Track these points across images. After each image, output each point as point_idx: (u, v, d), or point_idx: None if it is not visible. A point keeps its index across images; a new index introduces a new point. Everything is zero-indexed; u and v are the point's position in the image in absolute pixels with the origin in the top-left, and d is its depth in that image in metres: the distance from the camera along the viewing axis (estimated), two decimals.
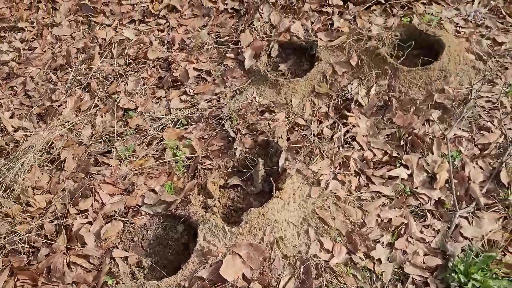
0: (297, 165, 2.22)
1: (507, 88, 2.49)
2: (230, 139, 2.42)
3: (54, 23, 3.29)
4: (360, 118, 2.47)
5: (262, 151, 2.37)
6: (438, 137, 2.32)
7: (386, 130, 2.42)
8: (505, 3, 2.97)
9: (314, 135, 2.37)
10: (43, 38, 3.18)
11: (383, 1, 3.02)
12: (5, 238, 2.06)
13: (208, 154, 2.39)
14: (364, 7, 3.03)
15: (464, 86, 2.51)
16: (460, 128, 2.37)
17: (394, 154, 2.30)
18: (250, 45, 2.87)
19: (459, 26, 2.87)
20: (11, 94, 2.83)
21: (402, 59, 2.71)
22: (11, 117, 2.68)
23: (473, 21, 2.90)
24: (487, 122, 2.38)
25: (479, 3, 3.00)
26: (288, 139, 2.36)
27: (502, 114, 2.37)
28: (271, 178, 2.18)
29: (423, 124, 2.39)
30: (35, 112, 2.68)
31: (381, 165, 2.29)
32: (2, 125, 2.61)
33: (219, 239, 1.98)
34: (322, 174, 2.21)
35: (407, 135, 2.35)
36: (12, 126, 2.62)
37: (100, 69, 2.85)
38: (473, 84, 2.50)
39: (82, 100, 2.72)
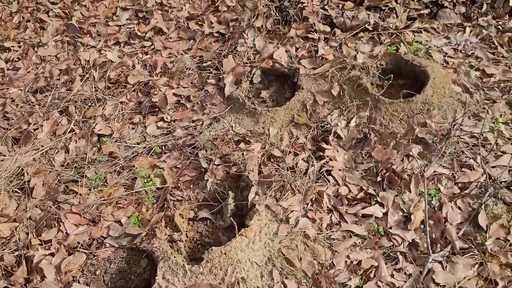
0: (267, 200, 2.16)
1: (493, 123, 2.41)
2: (202, 169, 2.37)
3: (41, 43, 3.30)
4: (338, 151, 2.41)
5: (234, 183, 2.32)
6: (417, 174, 2.24)
7: (363, 164, 2.35)
8: (497, 33, 2.89)
9: (288, 168, 2.31)
10: (27, 59, 3.19)
11: (370, 29, 2.97)
12: None
13: (179, 184, 2.35)
14: (352, 34, 2.98)
15: (447, 120, 2.43)
16: (440, 165, 2.29)
17: (370, 190, 2.23)
18: (232, 70, 2.84)
19: (448, 56, 2.81)
20: None
21: (385, 89, 2.65)
22: None
23: (463, 51, 2.84)
24: (469, 159, 2.30)
25: (470, 32, 2.93)
26: (260, 172, 2.31)
27: (486, 151, 2.29)
28: (232, 219, 2.12)
29: (402, 160, 2.32)
30: (11, 135, 2.67)
31: (355, 202, 2.23)
32: None
33: (178, 278, 1.92)
34: (292, 211, 2.14)
35: (384, 171, 2.29)
36: None
37: (80, 93, 2.84)
38: (457, 119, 2.42)
39: (59, 124, 2.71)
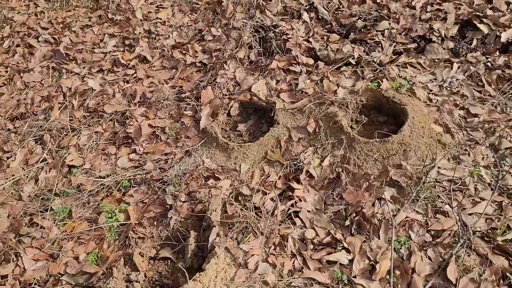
0: (227, 242, 2.11)
1: (474, 166, 2.33)
2: (168, 206, 2.35)
3: (27, 69, 3.36)
4: (308, 191, 2.36)
5: (198, 222, 2.28)
6: (388, 219, 2.17)
7: (333, 206, 2.30)
8: (486, 70, 2.83)
9: (253, 208, 2.27)
10: (12, 84, 3.24)
11: (354, 63, 2.93)
12: None
13: (142, 221, 2.32)
14: (335, 67, 2.95)
15: (424, 163, 2.36)
16: (414, 210, 2.21)
17: (338, 235, 2.17)
18: (210, 102, 2.83)
19: (432, 93, 2.75)
20: None
21: (364, 126, 2.61)
22: None
23: (448, 88, 2.78)
24: (445, 204, 2.22)
25: (458, 68, 2.87)
26: (225, 212, 2.27)
27: (463, 196, 2.21)
28: (192, 260, 2.08)
29: (374, 204, 2.26)
30: None
31: (321, 246, 2.17)
32: None
33: None
34: (253, 255, 2.09)
35: (354, 214, 2.22)
36: None
37: (57, 121, 2.86)
38: (434, 161, 2.35)
39: (32, 153, 2.72)
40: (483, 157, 2.41)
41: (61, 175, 2.59)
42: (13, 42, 3.64)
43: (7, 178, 2.59)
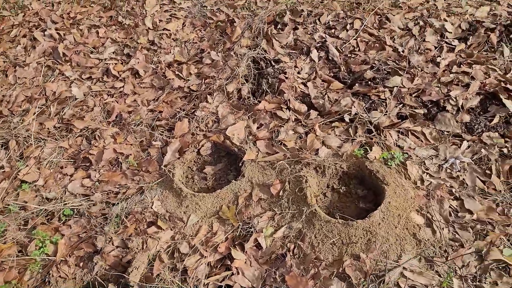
0: None
1: (447, 276, 2.03)
2: (98, 248, 2.24)
3: (24, 63, 3.38)
4: (250, 265, 2.16)
5: (120, 275, 2.15)
6: None
7: (271, 287, 2.08)
8: (500, 157, 2.47)
9: (183, 272, 2.11)
10: (3, 77, 3.27)
11: (348, 120, 2.67)
12: None
13: (70, 258, 2.23)
14: (327, 120, 2.71)
15: (387, 260, 2.08)
16: None
17: None
18: (182, 136, 2.69)
19: (427, 173, 2.44)
20: None
21: (337, 194, 2.35)
22: None
23: (448, 170, 2.45)
24: None
25: (467, 148, 2.53)
26: (151, 269, 2.12)
27: None
28: None
29: None
30: None
31: None
32: None
33: None
34: None
35: None
36: None
37: (27, 127, 2.84)
38: (400, 261, 2.07)
39: None
40: (463, 265, 2.10)
41: (11, 188, 2.56)
42: (20, 31, 3.68)
43: None
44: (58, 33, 3.62)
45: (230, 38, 3.34)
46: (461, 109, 2.68)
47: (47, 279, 2.20)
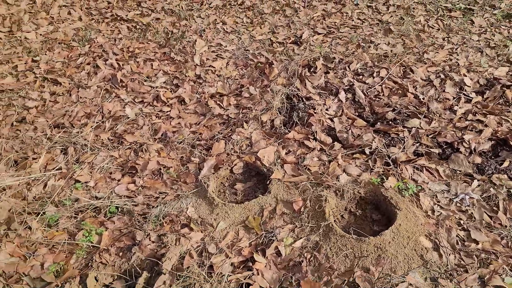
0: None
1: None
2: (137, 241, 2.51)
3: (86, 85, 3.83)
4: (270, 268, 2.38)
5: (154, 265, 2.40)
6: None
7: None
8: (507, 196, 2.65)
9: (209, 266, 2.34)
10: (68, 96, 3.72)
11: (368, 152, 2.93)
12: None
13: (111, 248, 2.50)
14: (350, 152, 2.97)
15: (395, 275, 2.27)
16: None
17: None
18: (218, 155, 3.00)
19: (438, 204, 2.64)
20: (12, 136, 3.33)
21: (354, 217, 2.57)
22: None
23: (458, 204, 2.65)
24: None
25: (477, 186, 2.73)
26: (181, 263, 2.37)
27: None
28: None
29: None
30: (14, 157, 3.11)
31: None
32: None
33: None
34: None
35: None
36: None
37: (84, 137, 3.22)
38: (407, 277, 2.25)
39: (54, 160, 3.08)
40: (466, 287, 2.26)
41: (67, 186, 2.90)
42: (85, 59, 4.18)
43: (22, 176, 2.95)
44: (118, 63, 4.10)
45: (268, 77, 3.72)
46: (473, 152, 2.90)
47: (90, 263, 2.47)
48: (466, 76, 3.56)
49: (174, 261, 2.36)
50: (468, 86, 3.48)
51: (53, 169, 3.03)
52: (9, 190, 2.87)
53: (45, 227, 2.65)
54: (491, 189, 2.70)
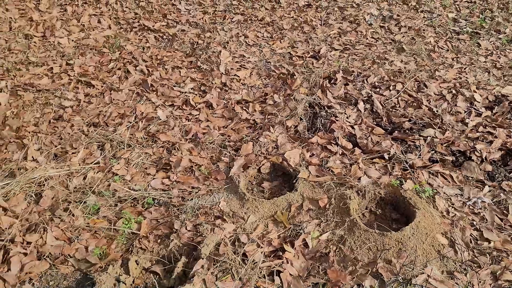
0: (207, 276, 2.37)
1: (465, 286, 2.37)
2: (174, 230, 2.69)
3: (118, 88, 4.04)
4: (298, 258, 2.55)
5: (191, 251, 2.58)
6: None
7: (315, 278, 2.46)
8: None
9: (242, 255, 2.51)
10: (101, 97, 3.93)
11: (387, 157, 3.13)
12: None
13: (150, 236, 2.68)
14: (369, 157, 3.17)
15: (414, 266, 2.44)
16: None
17: None
18: (245, 156, 3.19)
19: (453, 207, 2.83)
20: (50, 132, 3.53)
21: (374, 216, 2.76)
22: (37, 150, 3.33)
23: (471, 207, 2.84)
24: None
25: (488, 191, 2.93)
26: (217, 249, 2.54)
27: None
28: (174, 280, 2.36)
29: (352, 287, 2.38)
30: (54, 151, 3.30)
31: None
32: (26, 153, 3.27)
33: None
34: None
35: None
36: (32, 157, 3.25)
37: (121, 135, 3.41)
38: (426, 268, 2.43)
39: (92, 155, 3.27)
40: (480, 282, 2.43)
41: (105, 179, 3.08)
42: (116, 65, 4.40)
43: (60, 167, 3.14)
44: (147, 69, 4.32)
45: (290, 87, 3.94)
46: (484, 160, 3.11)
47: (130, 248, 2.64)
48: (476, 92, 3.79)
49: (211, 248, 2.54)
50: (478, 101, 3.70)
51: (92, 163, 3.22)
52: (51, 180, 3.05)
53: (87, 215, 2.83)
54: (501, 194, 2.90)
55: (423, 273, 2.42)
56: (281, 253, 2.57)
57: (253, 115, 3.69)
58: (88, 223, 2.78)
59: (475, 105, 3.66)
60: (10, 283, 2.42)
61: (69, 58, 4.49)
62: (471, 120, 3.44)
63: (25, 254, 2.57)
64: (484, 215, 2.79)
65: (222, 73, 4.27)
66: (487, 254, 2.57)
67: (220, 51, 4.61)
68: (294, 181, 3.00)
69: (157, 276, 2.53)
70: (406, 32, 5.21)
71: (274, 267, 2.49)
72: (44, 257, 2.57)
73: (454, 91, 3.83)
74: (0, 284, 2.42)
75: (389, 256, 2.51)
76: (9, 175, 3.10)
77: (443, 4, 5.91)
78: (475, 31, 5.27)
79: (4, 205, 2.81)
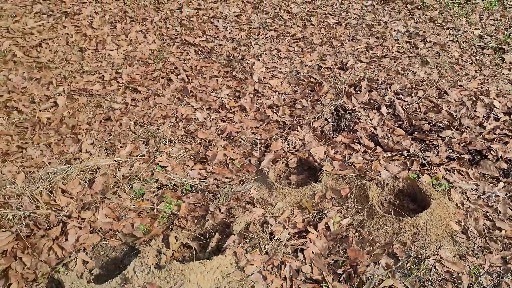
0: (238, 249, 2.65)
1: (476, 267, 2.54)
2: (209, 212, 2.98)
3: (161, 94, 4.44)
4: (320, 238, 2.79)
5: (224, 229, 2.86)
6: (373, 281, 2.49)
7: (335, 256, 2.68)
8: None
9: (271, 233, 2.77)
10: (146, 101, 4.33)
11: (406, 155, 3.34)
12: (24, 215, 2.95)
13: (188, 216, 2.98)
14: (391, 155, 3.39)
15: (428, 248, 2.63)
16: (402, 283, 2.49)
17: (328, 277, 2.55)
18: (275, 151, 3.48)
19: (468, 199, 3.01)
20: (101, 130, 3.93)
21: (392, 206, 2.97)
22: (90, 144, 3.73)
23: (485, 200, 3.00)
24: None
25: (503, 187, 3.09)
26: (247, 228, 2.81)
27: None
28: (209, 253, 2.64)
29: (368, 265, 2.58)
30: (105, 145, 3.69)
31: (310, 281, 2.55)
32: (81, 146, 3.67)
33: (143, 275, 2.50)
34: (253, 265, 2.58)
35: (348, 266, 2.58)
36: (86, 150, 3.65)
37: (164, 133, 3.78)
38: (439, 249, 2.61)
39: (138, 149, 3.64)
40: (490, 265, 2.59)
41: (149, 169, 3.43)
42: (160, 74, 4.82)
43: (113, 159, 3.51)
44: (188, 78, 4.71)
45: (318, 93, 4.23)
46: (500, 159, 3.27)
47: (170, 227, 2.95)
48: (495, 99, 3.96)
49: (242, 226, 2.81)
50: (497, 108, 3.87)
51: (137, 155, 3.58)
52: (102, 168, 3.42)
53: (133, 197, 3.17)
54: None
55: (436, 254, 2.60)
56: (305, 234, 2.81)
57: (283, 117, 3.99)
58: (134, 205, 3.11)
59: (494, 111, 3.83)
60: (67, 250, 2.77)
61: (118, 68, 4.95)
62: (489, 124, 3.61)
63: (80, 228, 2.91)
64: (497, 207, 2.95)
65: (255, 81, 4.61)
66: (499, 241, 2.72)
67: (254, 63, 4.97)
68: (319, 173, 3.26)
69: (194, 250, 2.81)
70: (431, 47, 5.42)
71: (299, 245, 2.74)
72: (96, 231, 2.91)
73: (474, 98, 4.01)
74: (59, 251, 2.77)
75: (404, 239, 2.71)
76: (66, 164, 3.49)
77: (469, 21, 6.10)
78: (500, 46, 5.42)
79: (63, 187, 3.19)
